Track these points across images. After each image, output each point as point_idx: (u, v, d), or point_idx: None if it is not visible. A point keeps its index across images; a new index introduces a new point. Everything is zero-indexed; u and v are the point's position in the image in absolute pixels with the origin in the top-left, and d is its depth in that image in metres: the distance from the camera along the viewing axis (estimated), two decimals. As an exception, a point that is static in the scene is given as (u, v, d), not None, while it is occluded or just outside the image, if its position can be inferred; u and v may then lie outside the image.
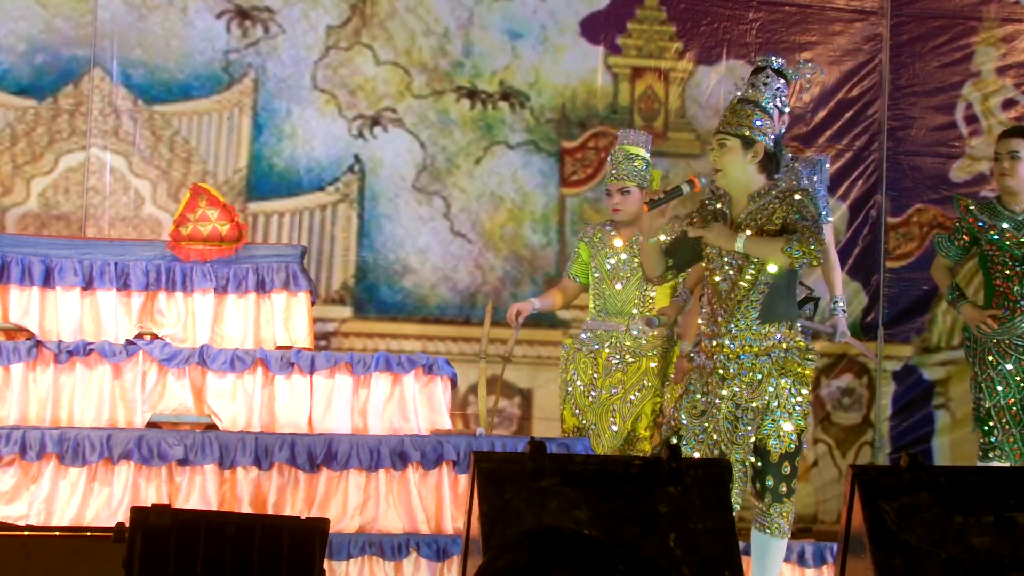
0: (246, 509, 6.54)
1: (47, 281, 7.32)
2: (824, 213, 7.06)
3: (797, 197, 5.89)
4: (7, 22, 8.31)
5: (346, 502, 6.67)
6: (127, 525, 4.37)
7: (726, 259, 5.94)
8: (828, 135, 8.88)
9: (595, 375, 7.12)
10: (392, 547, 6.51)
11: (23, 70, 8.32)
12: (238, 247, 7.47)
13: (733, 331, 5.92)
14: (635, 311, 7.17)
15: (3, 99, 8.31)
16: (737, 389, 5.89)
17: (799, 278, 6.16)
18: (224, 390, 7.02)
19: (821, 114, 8.88)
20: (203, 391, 7.07)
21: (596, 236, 7.32)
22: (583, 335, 7.25)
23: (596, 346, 7.17)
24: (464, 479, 6.60)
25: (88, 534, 5.43)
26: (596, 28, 8.91)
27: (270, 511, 6.55)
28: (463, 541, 4.67)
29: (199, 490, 6.62)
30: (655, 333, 7.10)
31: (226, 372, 7.02)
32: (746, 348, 5.91)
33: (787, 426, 5.86)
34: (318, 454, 6.67)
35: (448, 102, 8.75)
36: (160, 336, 7.31)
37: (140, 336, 7.30)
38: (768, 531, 5.92)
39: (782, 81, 6.92)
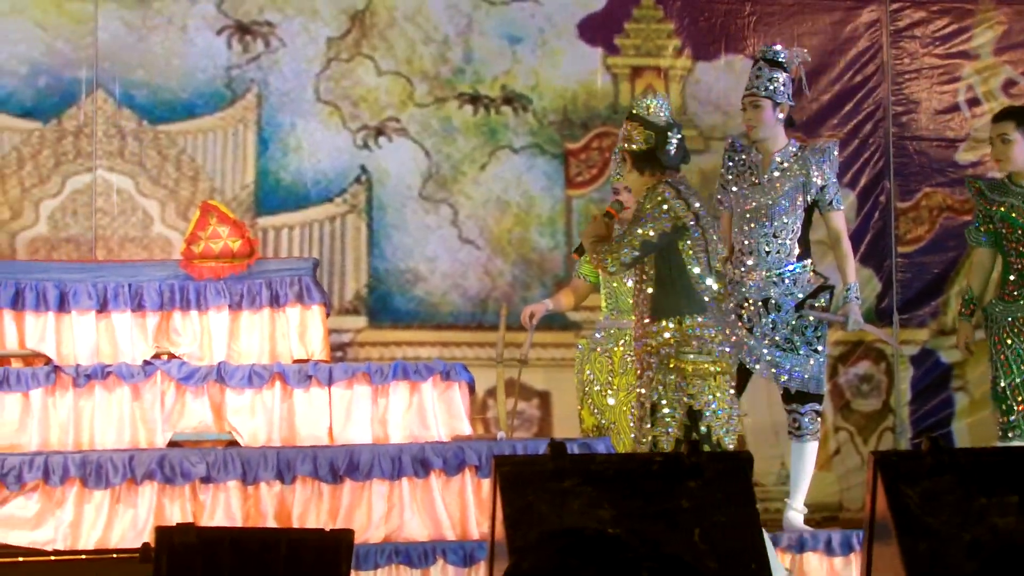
0: (271, 524, 6.55)
1: (62, 306, 7.34)
2: (836, 200, 7.07)
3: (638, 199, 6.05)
4: (8, 45, 8.31)
5: (370, 512, 6.68)
6: (152, 545, 4.39)
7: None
8: (832, 123, 8.88)
9: (611, 374, 7.15)
10: (418, 555, 6.52)
11: (26, 93, 8.32)
12: (250, 263, 7.49)
13: (634, 331, 6.07)
14: None
15: (8, 122, 8.31)
16: (638, 387, 6.04)
17: (689, 272, 6.06)
18: (243, 406, 7.03)
19: (824, 101, 8.88)
20: (222, 408, 7.08)
21: (604, 235, 7.34)
22: (597, 334, 7.27)
23: (611, 344, 7.19)
24: (487, 483, 6.60)
25: (114, 556, 5.44)
26: (593, 30, 8.92)
27: (295, 525, 6.56)
28: (488, 546, 4.68)
29: (223, 507, 6.63)
30: None
31: (244, 388, 7.03)
32: (640, 346, 6.02)
33: (673, 422, 5.88)
34: (340, 465, 6.68)
35: (451, 109, 8.76)
36: (177, 355, 7.33)
37: (157, 356, 7.32)
38: None
39: (780, 72, 6.92)
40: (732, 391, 6.05)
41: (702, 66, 8.94)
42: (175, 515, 6.59)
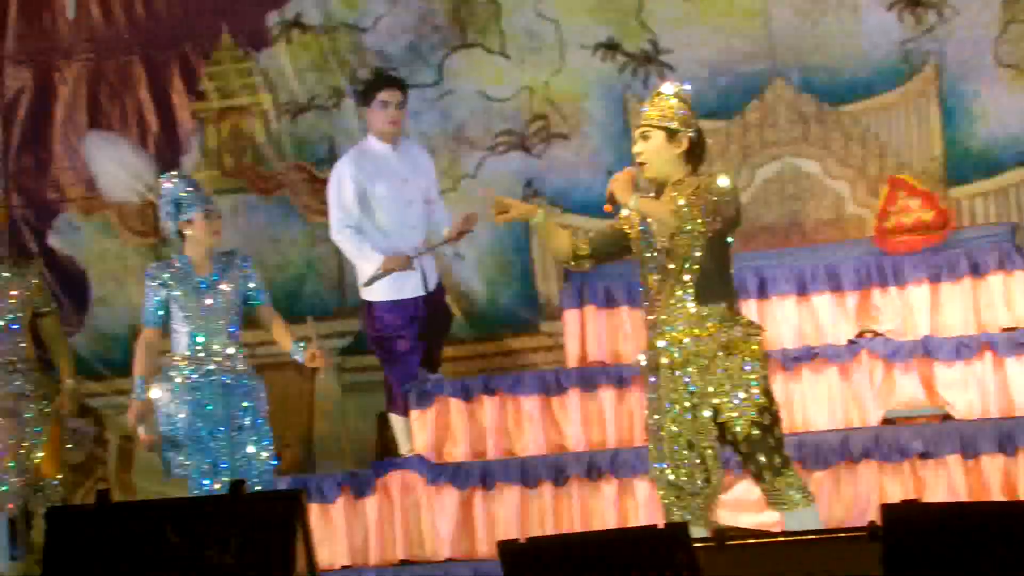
0: (995, 498, 6.44)
1: (762, 292, 7.54)
2: None
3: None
4: (688, 51, 8.64)
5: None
6: (879, 524, 4.41)
7: (656, 252, 5.59)
8: None
9: None
10: None
11: (708, 94, 8.59)
12: (946, 233, 7.41)
13: (671, 319, 5.55)
14: None
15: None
16: (688, 379, 5.53)
17: (730, 261, 5.65)
18: (954, 379, 6.96)
19: None
20: (932, 382, 7.04)
21: None
22: None
23: None
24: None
25: (841, 535, 5.51)
26: None
27: (1022, 497, 6.42)
28: None
29: (945, 482, 6.59)
30: None
31: (953, 360, 6.96)
32: (689, 332, 5.54)
33: (748, 404, 5.48)
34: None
35: None
36: (880, 332, 7.35)
37: (860, 335, 7.37)
38: (787, 506, 5.55)
39: None
40: None
41: None
42: (895, 493, 6.60)
